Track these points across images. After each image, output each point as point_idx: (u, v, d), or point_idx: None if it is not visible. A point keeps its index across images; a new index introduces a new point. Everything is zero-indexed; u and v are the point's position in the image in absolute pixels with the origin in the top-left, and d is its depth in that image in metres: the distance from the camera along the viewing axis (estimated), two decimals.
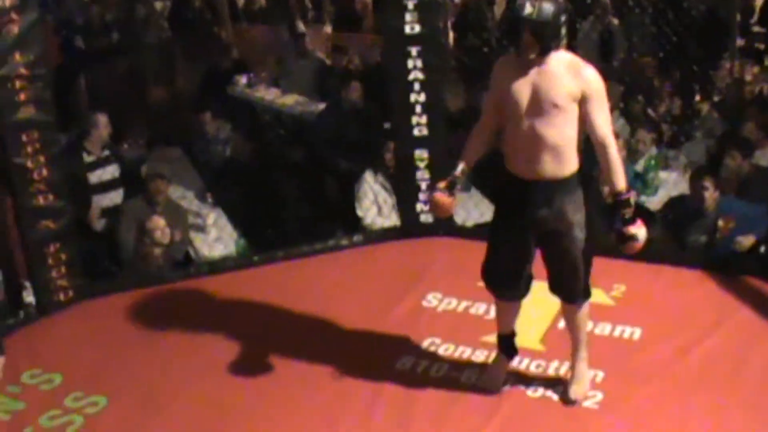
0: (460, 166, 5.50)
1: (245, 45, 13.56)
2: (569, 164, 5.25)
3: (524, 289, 5.69)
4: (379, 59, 11.32)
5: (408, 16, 7.35)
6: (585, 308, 5.66)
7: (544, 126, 5.16)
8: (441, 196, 5.49)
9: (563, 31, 5.12)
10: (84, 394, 6.20)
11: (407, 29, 7.36)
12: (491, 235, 5.63)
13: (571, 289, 5.55)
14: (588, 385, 5.76)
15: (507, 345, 5.89)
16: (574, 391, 5.72)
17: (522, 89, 5.19)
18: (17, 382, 6.40)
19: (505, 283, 5.66)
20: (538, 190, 5.27)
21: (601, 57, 10.91)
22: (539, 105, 5.15)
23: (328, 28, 14.00)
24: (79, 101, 11.88)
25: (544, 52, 5.11)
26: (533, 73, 5.17)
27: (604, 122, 5.18)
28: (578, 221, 5.33)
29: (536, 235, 5.41)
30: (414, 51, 7.40)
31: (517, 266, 5.56)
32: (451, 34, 11.42)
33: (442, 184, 5.51)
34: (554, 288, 5.61)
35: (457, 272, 6.95)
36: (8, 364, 6.47)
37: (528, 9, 5.02)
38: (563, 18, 5.09)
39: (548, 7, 5.01)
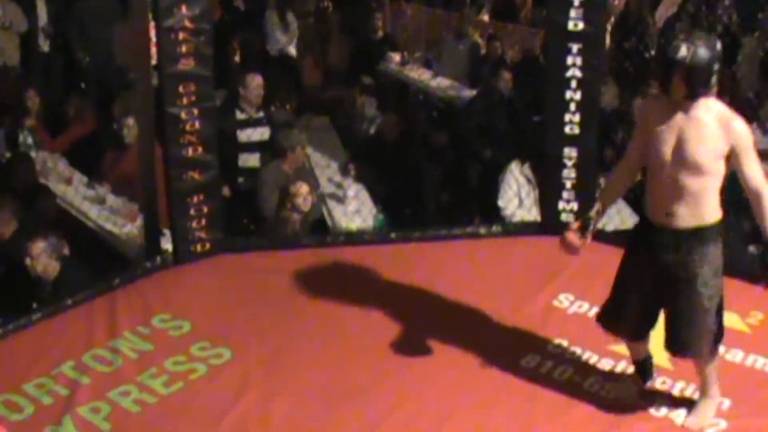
0: (596, 207, 5.45)
1: (400, 23, 13.61)
2: (708, 214, 5.14)
3: (648, 331, 5.60)
4: (533, 51, 11.28)
5: (573, 12, 7.26)
6: (711, 364, 5.51)
7: (687, 176, 5.04)
8: (573, 238, 5.44)
9: (714, 78, 5.00)
10: (210, 344, 6.31)
11: (570, 25, 7.27)
12: (619, 279, 5.53)
13: (683, 343, 5.37)
14: (708, 421, 5.59)
15: (642, 370, 5.81)
16: (691, 421, 5.60)
17: (667, 136, 5.07)
18: (148, 324, 6.55)
19: (625, 328, 5.57)
20: (668, 235, 5.16)
21: (763, 75, 10.67)
22: (683, 156, 5.03)
23: (485, 16, 13.96)
24: (232, 60, 12.05)
25: (692, 96, 5.00)
26: (680, 119, 5.05)
27: (756, 173, 5.05)
28: (704, 275, 5.18)
29: (661, 283, 5.30)
30: (575, 48, 7.31)
31: (640, 312, 5.47)
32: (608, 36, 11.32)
33: (575, 225, 5.46)
34: (667, 339, 5.43)
35: (591, 276, 6.87)
36: (141, 306, 6.65)
37: (683, 52, 4.89)
38: (717, 65, 4.95)
39: (703, 53, 4.89)
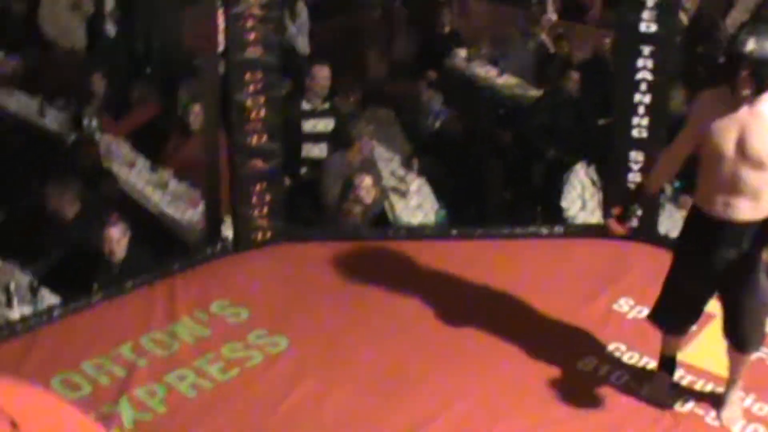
0: (638, 191, 5.41)
1: (466, 19, 13.55)
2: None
3: (693, 326, 5.60)
4: (601, 52, 11.18)
5: (645, 14, 7.16)
6: (750, 358, 5.52)
7: (748, 171, 4.99)
8: (614, 225, 5.43)
9: None
10: (267, 332, 6.35)
11: (642, 27, 7.16)
12: (672, 273, 5.51)
13: (744, 338, 5.38)
14: (740, 410, 5.60)
15: (667, 364, 5.79)
16: (725, 417, 5.57)
17: (729, 130, 5.00)
18: (206, 310, 6.58)
19: (677, 323, 5.58)
20: (729, 231, 5.12)
21: None
22: (745, 151, 4.97)
23: (553, 15, 13.86)
24: (298, 50, 12.05)
25: (759, 91, 4.92)
26: (743, 113, 4.98)
27: None
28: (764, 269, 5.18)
29: (719, 277, 5.26)
30: (646, 50, 7.21)
31: (694, 307, 5.46)
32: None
33: (616, 211, 5.43)
34: (728, 333, 5.43)
35: (652, 281, 6.72)
36: (200, 291, 6.68)
37: (750, 45, 4.82)
38: None
39: None
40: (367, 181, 7.73)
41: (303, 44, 11.92)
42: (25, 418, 2.48)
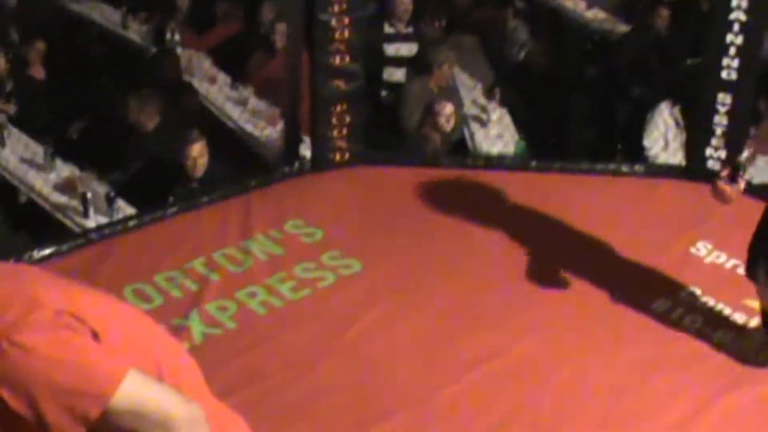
0: (746, 152, 5.27)
1: None
2: None
3: None
4: None
5: None
6: None
7: None
8: (724, 186, 5.27)
9: None
10: (341, 254, 6.34)
11: None
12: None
13: None
14: None
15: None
16: None
17: None
18: (280, 229, 6.59)
19: None
20: None
21: None
22: None
23: None
24: None
25: None
26: None
27: None
28: None
29: None
30: None
31: None
32: None
33: (724, 172, 5.29)
34: None
35: (732, 227, 6.68)
36: (274, 210, 6.68)
37: None
38: None
39: None
40: (447, 108, 7.67)
41: None
42: (105, 328, 2.48)
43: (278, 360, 5.40)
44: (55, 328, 2.39)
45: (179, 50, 9.36)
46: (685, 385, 5.34)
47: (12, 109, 8.50)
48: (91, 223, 6.75)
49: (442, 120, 7.64)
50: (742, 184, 5.23)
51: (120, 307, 2.70)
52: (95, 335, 2.44)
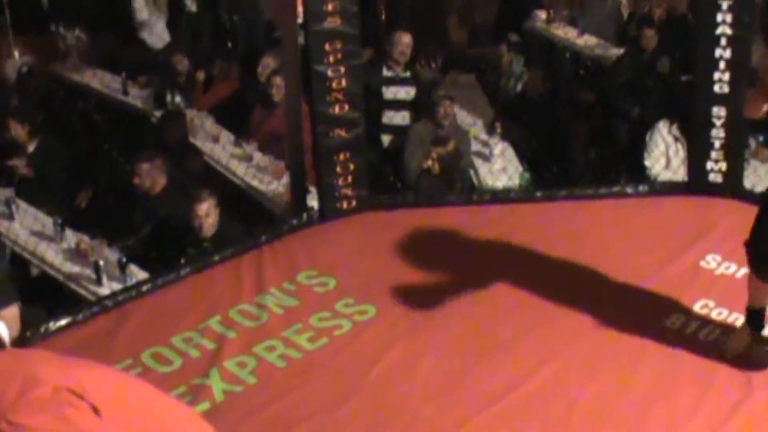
0: None
1: None
2: None
3: None
4: (678, 10, 11.07)
5: None
6: None
7: None
8: None
9: None
10: (355, 301, 6.36)
11: None
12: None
13: None
14: None
15: (756, 319, 5.66)
16: None
17: None
18: (293, 281, 6.62)
19: None
20: None
21: None
22: None
23: None
24: (378, 18, 12.07)
25: None
26: None
27: None
28: None
29: None
30: (725, 5, 7.11)
31: None
32: None
33: None
34: None
35: (739, 237, 6.64)
36: (287, 262, 6.73)
37: None
38: None
39: None
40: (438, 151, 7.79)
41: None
42: (105, 403, 2.46)
43: (301, 410, 5.41)
44: (55, 406, 2.37)
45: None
46: (707, 397, 5.35)
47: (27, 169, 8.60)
48: (104, 290, 6.82)
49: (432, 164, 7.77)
50: None
51: (122, 380, 2.70)
52: (95, 411, 2.42)
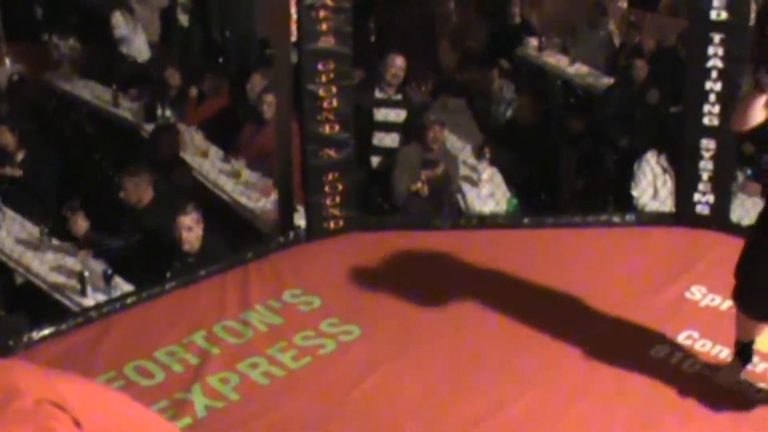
0: None
1: (539, 8, 13.51)
2: None
3: None
4: (668, 41, 11.12)
5: (716, 2, 7.10)
6: None
7: None
8: None
9: None
10: (340, 321, 6.37)
11: (713, 15, 7.11)
12: (756, 251, 5.42)
13: None
14: None
15: (745, 352, 5.69)
16: None
17: None
18: (279, 299, 6.63)
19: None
20: None
21: None
22: None
23: (623, 4, 13.80)
24: (369, 40, 12.09)
25: None
26: None
27: None
28: None
29: None
30: (717, 38, 7.15)
31: None
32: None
33: None
34: None
35: (725, 269, 6.66)
36: (273, 280, 6.73)
37: None
38: None
39: None
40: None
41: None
42: (86, 415, 2.44)
43: (283, 429, 5.42)
44: (38, 418, 2.34)
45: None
46: (689, 428, 5.39)
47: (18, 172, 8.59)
48: (89, 301, 6.80)
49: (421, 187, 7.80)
50: None
51: (103, 394, 2.69)
52: (77, 424, 2.40)
